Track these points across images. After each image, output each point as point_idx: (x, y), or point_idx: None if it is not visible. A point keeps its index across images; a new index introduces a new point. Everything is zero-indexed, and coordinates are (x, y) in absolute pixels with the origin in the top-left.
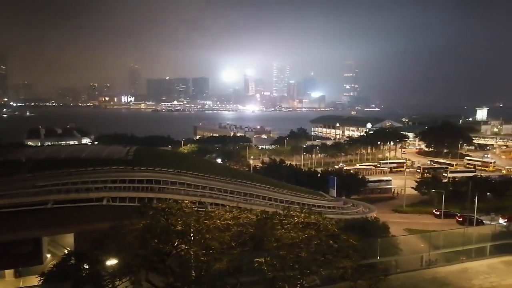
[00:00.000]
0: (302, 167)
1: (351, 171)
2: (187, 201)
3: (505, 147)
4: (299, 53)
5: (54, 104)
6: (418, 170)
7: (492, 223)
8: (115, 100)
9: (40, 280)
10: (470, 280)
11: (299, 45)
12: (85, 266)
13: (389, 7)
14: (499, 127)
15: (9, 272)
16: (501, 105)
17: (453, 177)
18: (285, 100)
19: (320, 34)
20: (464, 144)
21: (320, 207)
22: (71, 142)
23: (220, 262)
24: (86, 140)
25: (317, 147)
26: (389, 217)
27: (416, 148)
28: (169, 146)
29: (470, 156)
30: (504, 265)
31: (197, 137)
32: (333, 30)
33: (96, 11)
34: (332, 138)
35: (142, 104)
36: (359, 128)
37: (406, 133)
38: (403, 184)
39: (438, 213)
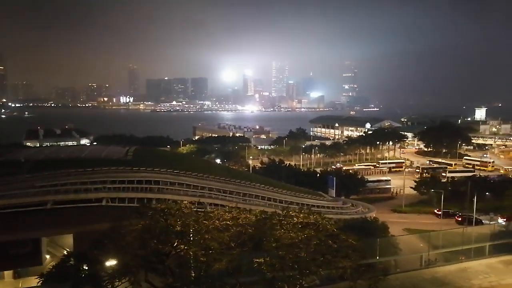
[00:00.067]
0: (301, 167)
1: (350, 171)
2: (186, 202)
3: (503, 146)
4: (298, 53)
5: (52, 105)
6: (417, 170)
7: (491, 222)
8: (114, 101)
9: (39, 281)
10: (469, 280)
11: (298, 45)
12: (84, 266)
13: (388, 8)
14: (497, 126)
15: (8, 273)
16: (500, 105)
17: (452, 177)
18: (284, 100)
19: (319, 34)
20: (463, 144)
21: (319, 207)
22: (70, 143)
23: (219, 262)
24: (85, 141)
25: (316, 147)
26: (388, 217)
27: (415, 148)
28: (168, 146)
29: (469, 156)
30: (503, 264)
31: (196, 137)
32: (332, 30)
33: (95, 11)
34: (331, 138)
35: (141, 105)
36: (358, 128)
37: (405, 133)
38: (402, 184)
39: (440, 213)
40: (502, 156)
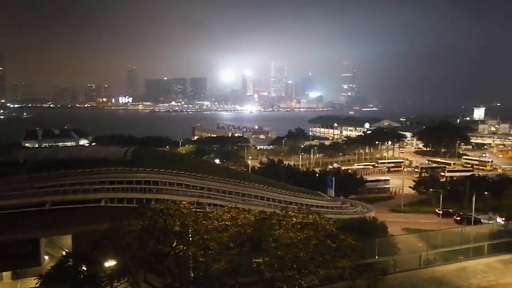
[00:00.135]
0: (300, 167)
1: (349, 171)
2: (185, 202)
3: (502, 146)
4: (297, 53)
5: (51, 105)
6: (416, 170)
7: (489, 222)
8: (113, 101)
9: (38, 282)
10: (468, 279)
11: (297, 45)
12: (83, 267)
13: (387, 8)
14: (496, 126)
15: (6, 274)
16: (499, 104)
17: (451, 177)
18: (283, 100)
19: (318, 35)
20: (462, 144)
21: (318, 207)
22: (69, 143)
23: (218, 262)
24: (83, 141)
25: (315, 147)
26: (387, 217)
27: (414, 148)
28: (167, 146)
29: (468, 156)
30: (502, 264)
31: (195, 137)
32: (331, 30)
33: (94, 11)
34: (330, 138)
35: (140, 105)
36: (357, 128)
37: (404, 133)
38: (401, 184)
39: (441, 212)
40: (500, 156)
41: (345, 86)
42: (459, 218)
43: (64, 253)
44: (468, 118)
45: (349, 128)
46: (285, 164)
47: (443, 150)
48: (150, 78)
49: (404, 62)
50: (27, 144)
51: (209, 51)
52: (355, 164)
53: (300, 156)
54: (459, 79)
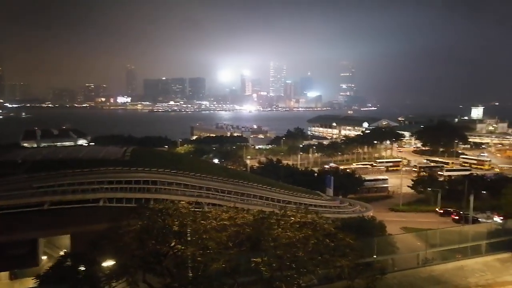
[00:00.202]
0: (299, 166)
1: (348, 170)
2: (184, 202)
3: (500, 145)
4: (296, 53)
5: (50, 105)
6: (414, 169)
7: (487, 221)
8: (112, 101)
9: (36, 282)
10: (465, 278)
11: (296, 45)
12: (81, 267)
13: (386, 8)
14: (494, 125)
15: (4, 275)
16: (497, 103)
17: (449, 176)
18: (282, 100)
19: (317, 34)
20: (460, 143)
21: (317, 207)
22: (68, 143)
23: (217, 262)
24: (82, 141)
25: (314, 147)
26: (386, 216)
27: (413, 147)
28: (166, 146)
29: (466, 155)
30: (500, 262)
31: (194, 137)
32: (330, 30)
33: (93, 11)
34: (329, 137)
35: (139, 105)
36: (356, 128)
37: (402, 132)
38: (399, 183)
39: (442, 211)
40: (498, 155)
41: (344, 86)
42: (457, 217)
43: (62, 253)
44: (466, 118)
45: (348, 127)
46: (284, 163)
47: (441, 150)
48: (148, 78)
49: (403, 62)
50: (25, 144)
51: (208, 51)
52: (354, 164)
53: (299, 155)
54: (458, 79)
